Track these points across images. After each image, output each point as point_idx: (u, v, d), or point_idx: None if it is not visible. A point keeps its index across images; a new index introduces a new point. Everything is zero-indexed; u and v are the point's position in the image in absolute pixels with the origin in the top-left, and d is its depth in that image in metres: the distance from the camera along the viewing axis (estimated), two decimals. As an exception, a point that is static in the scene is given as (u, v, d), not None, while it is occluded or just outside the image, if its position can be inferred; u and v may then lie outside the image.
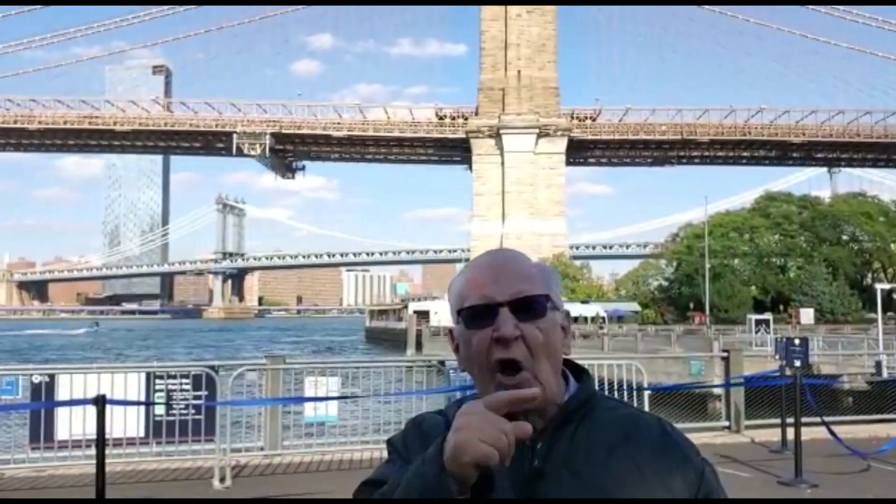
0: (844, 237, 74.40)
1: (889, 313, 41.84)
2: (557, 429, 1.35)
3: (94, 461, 6.63)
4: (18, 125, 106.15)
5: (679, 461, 1.33)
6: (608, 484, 1.29)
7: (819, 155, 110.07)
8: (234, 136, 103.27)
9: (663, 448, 1.34)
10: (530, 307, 1.35)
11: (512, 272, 1.38)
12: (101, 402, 6.67)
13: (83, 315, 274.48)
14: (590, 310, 67.13)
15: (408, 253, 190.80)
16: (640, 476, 1.30)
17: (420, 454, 1.29)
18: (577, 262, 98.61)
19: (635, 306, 73.13)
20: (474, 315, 1.36)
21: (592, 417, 1.37)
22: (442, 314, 70.64)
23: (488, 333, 1.33)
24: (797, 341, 10.61)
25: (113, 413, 8.03)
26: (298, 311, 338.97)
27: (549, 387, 1.34)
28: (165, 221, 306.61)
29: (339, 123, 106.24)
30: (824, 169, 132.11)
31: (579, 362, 1.50)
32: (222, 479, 8.52)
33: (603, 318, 65.05)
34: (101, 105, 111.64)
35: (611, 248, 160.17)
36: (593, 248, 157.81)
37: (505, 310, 1.33)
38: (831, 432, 9.36)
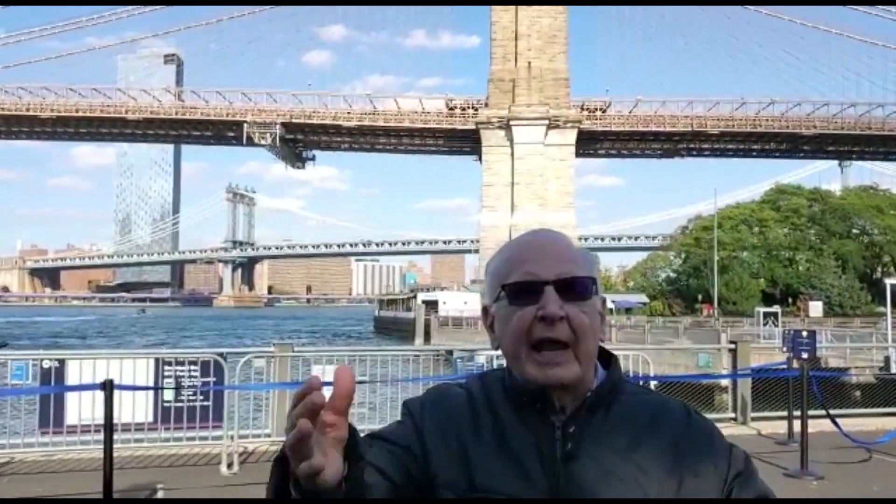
0: (854, 231, 74.06)
1: (899, 307, 41.54)
2: (588, 412, 1.32)
3: (102, 446, 6.70)
4: (31, 113, 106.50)
5: (706, 443, 1.33)
6: (637, 467, 1.28)
7: (830, 148, 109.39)
8: (245, 125, 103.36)
9: (689, 431, 1.34)
10: (576, 288, 1.32)
11: (557, 252, 1.35)
12: (109, 386, 6.73)
13: (94, 303, 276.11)
14: (598, 301, 67.02)
15: (417, 243, 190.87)
16: (668, 459, 1.29)
17: (434, 429, 1.33)
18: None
19: (643, 298, 73.05)
20: (518, 292, 1.32)
21: (620, 402, 1.35)
22: (450, 304, 70.71)
23: (531, 312, 1.30)
24: (805, 334, 10.61)
25: (122, 398, 8.12)
26: (308, 301, 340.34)
27: (587, 370, 1.33)
28: (176, 210, 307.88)
29: (349, 113, 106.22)
30: (835, 162, 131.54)
31: None
32: (230, 465, 8.60)
33: (610, 310, 65.02)
34: (113, 94, 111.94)
35: (619, 239, 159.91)
36: (602, 239, 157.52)
37: (550, 288, 1.30)
38: (834, 422, 9.36)
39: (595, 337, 1.33)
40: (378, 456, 1.28)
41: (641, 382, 10.76)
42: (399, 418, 1.42)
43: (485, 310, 1.43)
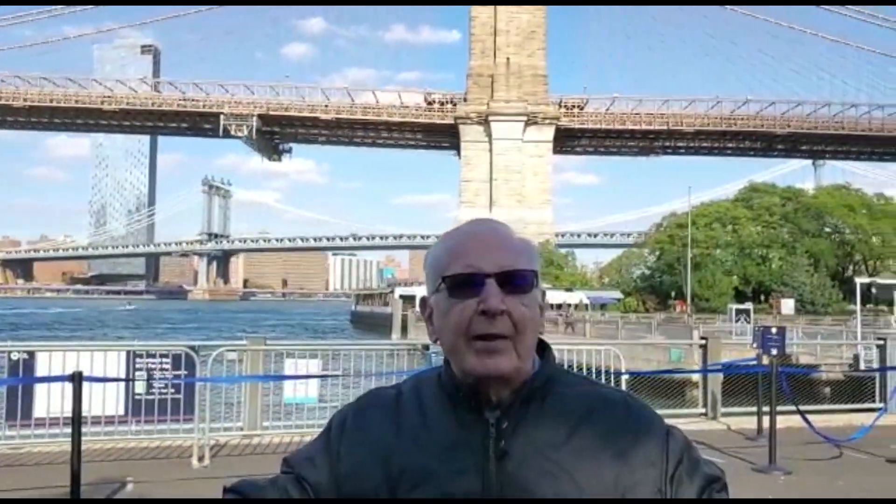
0: (827, 229, 74.95)
1: (868, 305, 42.22)
2: (522, 406, 1.30)
3: (70, 439, 6.64)
4: (4, 102, 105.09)
5: (642, 432, 1.30)
6: (572, 461, 1.26)
7: (804, 147, 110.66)
8: (222, 117, 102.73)
9: (626, 420, 1.31)
10: (517, 281, 1.29)
11: (499, 243, 1.32)
12: (77, 378, 6.66)
13: (69, 294, 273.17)
14: (573, 297, 67.49)
15: (395, 238, 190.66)
16: (603, 451, 1.27)
17: (351, 446, 1.33)
18: (562, 250, 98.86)
19: (618, 294, 73.58)
20: (458, 284, 1.29)
21: (556, 394, 1.33)
22: (428, 299, 70.43)
23: (472, 305, 1.27)
24: (774, 330, 10.72)
25: (92, 391, 8.03)
26: (284, 295, 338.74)
27: (526, 363, 1.31)
28: (152, 202, 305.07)
29: (327, 106, 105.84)
30: (809, 161, 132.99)
31: (560, 347, 1.51)
32: (201, 458, 8.55)
33: (586, 306, 65.43)
34: (89, 84, 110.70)
35: (596, 236, 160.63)
36: (578, 236, 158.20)
37: (492, 282, 1.27)
38: (804, 419, 9.48)
39: (535, 330, 1.31)
40: (280, 490, 1.35)
41: (613, 377, 10.85)
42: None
43: (423, 301, 1.39)
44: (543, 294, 1.37)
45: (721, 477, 1.34)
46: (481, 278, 1.27)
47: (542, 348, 1.38)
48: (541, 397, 1.31)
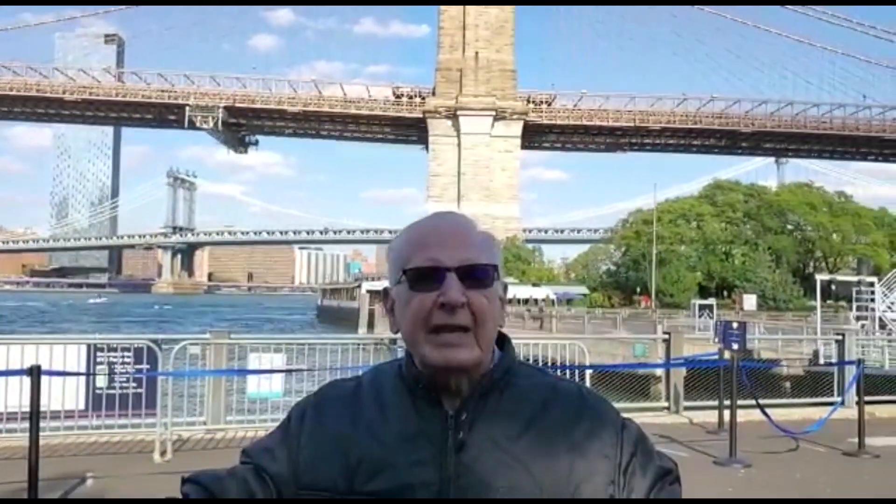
0: (789, 226, 76.17)
1: (828, 302, 42.96)
2: (481, 398, 1.31)
3: (28, 434, 6.53)
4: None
5: (596, 424, 1.32)
6: (528, 453, 1.27)
7: (767, 145, 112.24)
8: (187, 108, 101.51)
9: (581, 413, 1.32)
10: (477, 275, 1.30)
11: (460, 237, 1.33)
12: (35, 372, 6.55)
13: (28, 287, 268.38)
14: (540, 293, 67.79)
15: (362, 232, 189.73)
16: (558, 443, 1.28)
17: (310, 438, 1.33)
18: (530, 246, 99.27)
19: (584, 290, 74.08)
20: (420, 277, 1.30)
21: (514, 385, 1.34)
22: (395, 294, 70.28)
23: (432, 297, 1.28)
24: (735, 325, 10.86)
25: (51, 385, 7.90)
26: (249, 289, 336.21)
27: (486, 353, 1.32)
28: (115, 194, 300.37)
29: (293, 99, 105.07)
30: (772, 159, 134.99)
31: (526, 342, 1.50)
32: (163, 453, 8.46)
33: (552, 301, 65.75)
34: (51, 73, 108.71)
35: (562, 232, 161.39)
36: (546, 231, 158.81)
37: (452, 275, 1.28)
38: (764, 412, 9.63)
39: (495, 322, 1.32)
40: (240, 481, 1.35)
41: (578, 371, 10.93)
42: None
43: (385, 292, 1.40)
44: (505, 287, 1.38)
45: (673, 469, 1.36)
46: (442, 272, 1.28)
47: (502, 341, 1.38)
48: (499, 389, 1.32)
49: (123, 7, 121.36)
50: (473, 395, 1.31)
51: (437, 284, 1.28)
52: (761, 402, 10.08)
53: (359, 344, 11.73)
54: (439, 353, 1.28)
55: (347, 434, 1.31)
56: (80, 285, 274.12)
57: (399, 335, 1.34)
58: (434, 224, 1.37)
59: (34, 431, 6.36)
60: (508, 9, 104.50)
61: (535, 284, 72.55)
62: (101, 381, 9.01)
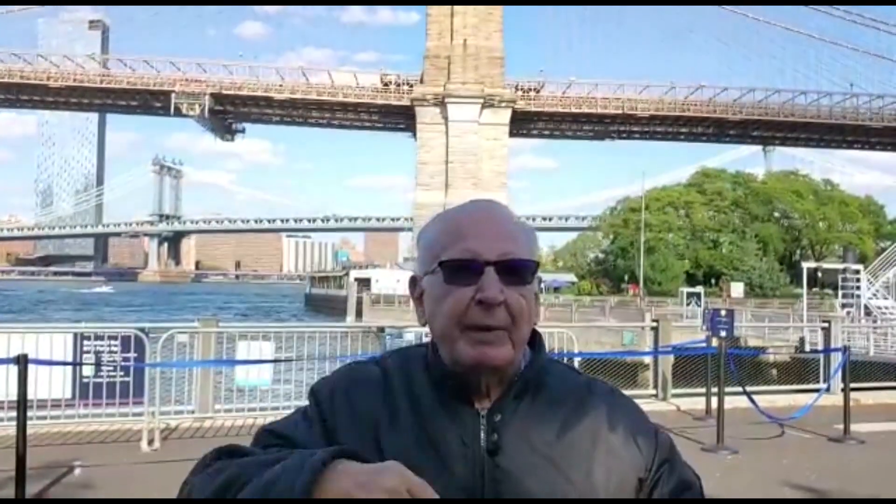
0: (776, 214, 76.57)
1: (815, 289, 43.27)
2: (514, 399, 1.25)
3: (15, 423, 6.51)
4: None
5: (632, 429, 1.28)
6: (563, 457, 1.22)
7: (755, 133, 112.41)
8: (173, 95, 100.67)
9: (615, 416, 1.28)
10: (517, 271, 1.22)
11: (499, 228, 1.25)
12: (23, 361, 6.52)
13: (13, 276, 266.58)
14: (529, 280, 67.84)
15: (350, 220, 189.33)
16: (594, 446, 1.24)
17: (344, 423, 1.22)
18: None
19: (572, 277, 74.31)
20: (455, 270, 1.21)
21: (547, 386, 1.28)
22: (383, 282, 70.44)
23: (469, 293, 1.20)
24: (723, 313, 10.94)
25: (38, 374, 7.86)
26: (237, 277, 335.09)
27: (519, 353, 1.25)
28: (101, 181, 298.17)
29: (281, 86, 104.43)
30: (760, 147, 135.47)
31: None
32: (150, 442, 8.44)
33: (541, 289, 65.81)
34: (34, 59, 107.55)
35: (550, 220, 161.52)
36: (533, 219, 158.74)
37: (491, 270, 1.20)
38: (750, 399, 9.72)
39: (531, 321, 1.25)
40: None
41: (566, 360, 10.96)
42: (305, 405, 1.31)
43: (414, 280, 1.32)
44: (540, 282, 1.32)
45: (695, 483, 1.32)
46: (480, 265, 1.20)
47: (533, 338, 1.31)
48: (533, 390, 1.27)
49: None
50: (507, 396, 1.24)
51: (474, 279, 1.20)
52: (748, 388, 10.18)
53: (347, 332, 11.72)
54: (474, 350, 1.20)
55: (380, 424, 1.23)
56: (65, 273, 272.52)
57: (426, 328, 1.27)
58: (471, 213, 1.28)
59: (21, 420, 6.34)
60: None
61: (523, 272, 72.67)
62: (88, 370, 8.98)
